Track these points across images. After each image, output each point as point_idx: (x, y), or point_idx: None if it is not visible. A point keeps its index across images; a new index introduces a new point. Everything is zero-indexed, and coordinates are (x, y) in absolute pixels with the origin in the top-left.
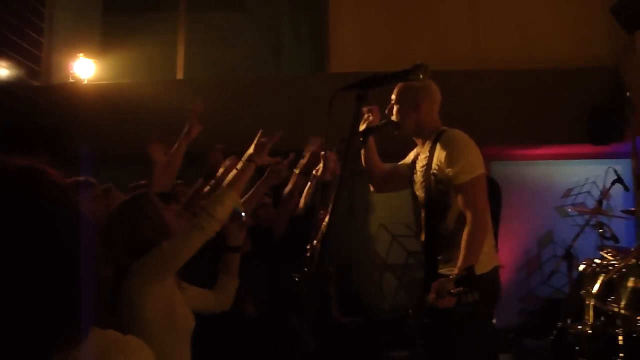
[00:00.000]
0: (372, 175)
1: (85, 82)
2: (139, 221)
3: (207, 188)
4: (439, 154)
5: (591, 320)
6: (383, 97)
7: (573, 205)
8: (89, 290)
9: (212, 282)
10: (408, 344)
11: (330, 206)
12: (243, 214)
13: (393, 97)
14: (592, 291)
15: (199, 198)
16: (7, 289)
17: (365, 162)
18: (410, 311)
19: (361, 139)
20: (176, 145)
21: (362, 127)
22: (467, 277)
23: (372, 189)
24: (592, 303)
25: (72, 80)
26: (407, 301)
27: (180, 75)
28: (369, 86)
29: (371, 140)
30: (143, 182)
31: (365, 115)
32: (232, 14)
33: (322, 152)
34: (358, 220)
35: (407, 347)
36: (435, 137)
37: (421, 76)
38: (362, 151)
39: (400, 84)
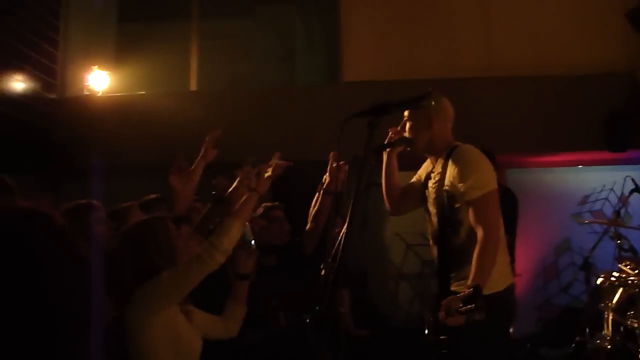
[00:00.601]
0: (390, 196)
1: (100, 94)
2: (150, 246)
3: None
4: (451, 171)
5: (610, 334)
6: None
7: (590, 212)
8: (91, 327)
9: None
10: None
11: (347, 223)
12: (252, 242)
13: (406, 114)
14: (611, 304)
15: (208, 223)
16: (9, 322)
17: (385, 180)
18: (426, 329)
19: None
20: (192, 168)
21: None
22: (474, 296)
23: (388, 210)
24: (610, 317)
25: (86, 93)
26: (422, 310)
27: (193, 87)
28: (380, 113)
29: (393, 159)
30: (154, 196)
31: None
32: (244, 22)
33: (334, 165)
34: (373, 229)
35: (423, 357)
36: (448, 154)
37: (432, 102)
38: (384, 169)
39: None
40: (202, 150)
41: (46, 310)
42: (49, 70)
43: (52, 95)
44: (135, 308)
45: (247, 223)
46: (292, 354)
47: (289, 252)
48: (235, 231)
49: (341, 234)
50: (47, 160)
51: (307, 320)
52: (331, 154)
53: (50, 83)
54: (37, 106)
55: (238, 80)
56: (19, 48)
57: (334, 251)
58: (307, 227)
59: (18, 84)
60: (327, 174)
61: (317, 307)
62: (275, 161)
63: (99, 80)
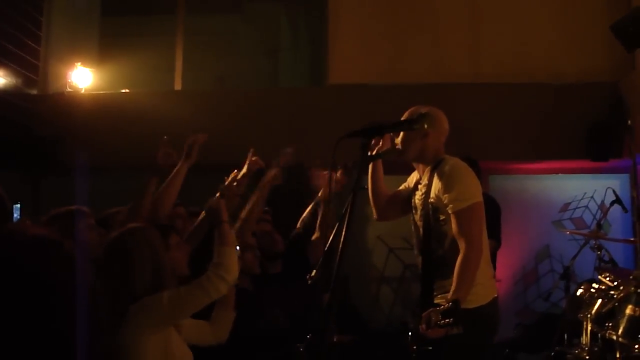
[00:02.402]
0: (376, 202)
1: (83, 91)
2: (137, 257)
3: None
4: (437, 183)
5: (588, 344)
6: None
7: (570, 219)
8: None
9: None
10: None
11: (342, 236)
12: (237, 248)
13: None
14: (590, 315)
15: (203, 232)
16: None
17: (371, 186)
18: (408, 338)
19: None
20: (175, 170)
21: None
22: (453, 310)
23: (375, 216)
24: (589, 327)
25: (69, 90)
26: (403, 314)
27: (178, 86)
28: (373, 135)
29: (379, 165)
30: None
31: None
32: (230, 19)
33: (324, 173)
34: (355, 232)
35: None
36: (434, 166)
37: (425, 126)
38: (370, 176)
39: (410, 110)
40: (185, 150)
41: (54, 337)
42: (31, 66)
43: (34, 92)
44: (130, 326)
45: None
46: None
47: (294, 260)
48: (235, 260)
49: (335, 244)
50: (27, 157)
51: (301, 349)
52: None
53: (32, 79)
54: (19, 102)
55: (223, 77)
56: (0, 43)
57: (320, 260)
58: (313, 236)
59: None
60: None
61: (309, 336)
62: (250, 157)
63: (82, 77)
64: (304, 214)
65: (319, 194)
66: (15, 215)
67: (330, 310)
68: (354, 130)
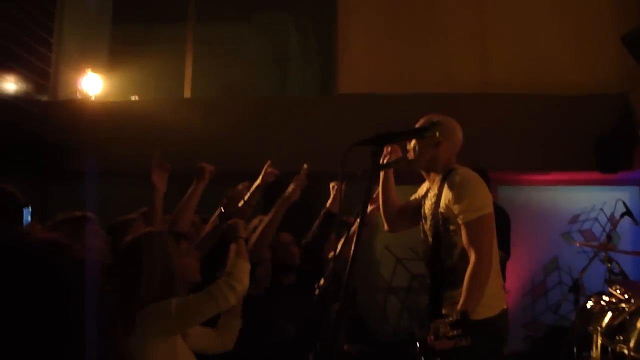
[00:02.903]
0: (386, 213)
1: (93, 98)
2: (147, 263)
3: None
4: (447, 193)
5: (598, 357)
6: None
7: (580, 231)
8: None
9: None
10: None
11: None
12: None
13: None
14: (600, 328)
15: (210, 241)
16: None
17: (382, 196)
18: (417, 349)
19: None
20: (191, 190)
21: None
22: (461, 321)
23: (385, 227)
24: (599, 340)
25: (79, 96)
26: (411, 324)
27: (187, 94)
28: (384, 143)
29: (390, 175)
30: (145, 209)
31: (385, 151)
32: (239, 28)
33: (333, 184)
34: (362, 242)
35: None
36: (445, 175)
37: (437, 134)
38: (381, 186)
39: (424, 118)
40: (199, 172)
41: (64, 340)
42: (42, 72)
43: (45, 98)
44: (137, 332)
45: None
46: None
47: (308, 272)
48: (247, 272)
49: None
50: (37, 163)
51: (310, 358)
52: (334, 185)
53: (43, 85)
54: (29, 108)
55: (231, 86)
56: (12, 49)
57: (327, 272)
58: (332, 253)
59: (10, 85)
60: (331, 197)
61: (319, 345)
62: (266, 168)
63: (92, 84)
64: (315, 224)
65: (327, 205)
66: (26, 218)
67: (340, 318)
68: (364, 138)
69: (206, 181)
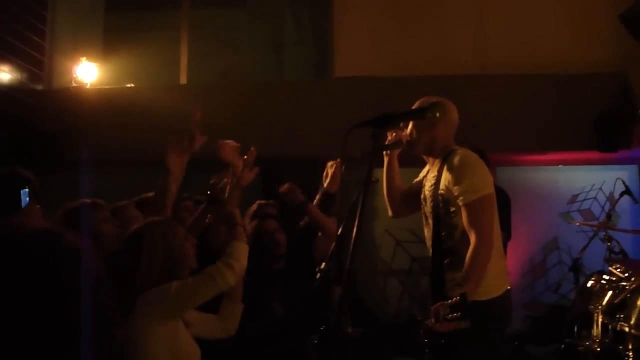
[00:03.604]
0: (390, 198)
1: (88, 86)
2: (161, 251)
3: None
4: (447, 174)
5: (599, 335)
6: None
7: (579, 211)
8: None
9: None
10: (413, 350)
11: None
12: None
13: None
14: (601, 307)
15: (201, 224)
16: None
17: (386, 181)
18: (420, 331)
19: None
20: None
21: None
22: (461, 304)
23: (390, 213)
24: (600, 318)
25: (74, 85)
26: (411, 307)
27: (183, 80)
28: (384, 124)
29: (394, 160)
30: (150, 194)
31: (389, 137)
32: (234, 13)
33: (331, 163)
34: (363, 225)
35: (412, 354)
36: (444, 157)
37: (437, 114)
38: (385, 171)
39: (420, 100)
40: (186, 139)
41: (60, 324)
42: (36, 61)
43: (39, 87)
44: (138, 317)
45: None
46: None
47: (299, 256)
48: (245, 254)
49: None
50: (34, 152)
51: (315, 342)
52: (332, 163)
53: (37, 74)
54: (24, 98)
55: (228, 72)
56: (5, 38)
57: (329, 254)
58: (320, 233)
59: (4, 74)
60: (329, 176)
61: (323, 328)
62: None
63: (87, 72)
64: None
65: (325, 186)
66: (24, 199)
67: (343, 301)
68: (365, 120)
69: (195, 149)
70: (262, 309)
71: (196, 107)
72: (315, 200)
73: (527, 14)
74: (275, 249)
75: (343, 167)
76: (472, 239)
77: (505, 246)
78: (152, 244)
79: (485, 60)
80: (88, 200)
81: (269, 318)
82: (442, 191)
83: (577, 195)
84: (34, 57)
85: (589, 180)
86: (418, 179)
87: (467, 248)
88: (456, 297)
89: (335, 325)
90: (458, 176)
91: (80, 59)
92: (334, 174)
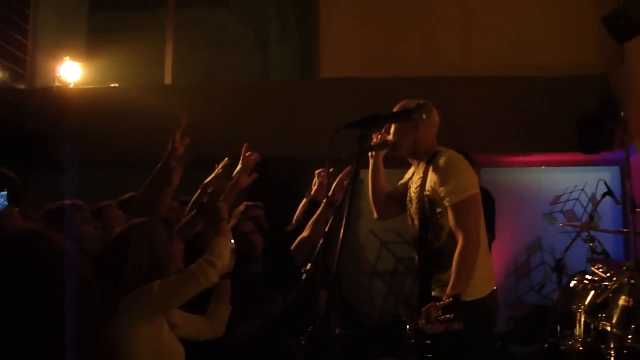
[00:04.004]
0: (376, 200)
1: (72, 85)
2: (148, 251)
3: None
4: (432, 175)
5: (582, 334)
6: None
7: (561, 212)
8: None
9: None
10: (398, 350)
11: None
12: (232, 241)
13: None
14: (583, 306)
15: (189, 229)
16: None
17: (371, 184)
18: (406, 331)
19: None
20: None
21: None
22: (453, 305)
23: (375, 215)
24: (582, 318)
25: (57, 84)
26: (396, 307)
27: (168, 80)
28: (371, 126)
29: (379, 162)
30: (131, 194)
31: (374, 139)
32: (220, 12)
33: (318, 171)
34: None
35: (398, 354)
36: (429, 159)
37: (424, 116)
38: (370, 173)
39: (400, 104)
40: (170, 143)
41: (42, 327)
42: (19, 60)
43: (22, 86)
44: (122, 317)
45: None
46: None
47: (276, 260)
48: (228, 250)
49: (331, 238)
50: (16, 152)
51: (302, 342)
52: (320, 171)
53: (20, 73)
54: (6, 97)
55: (212, 72)
56: None
57: (314, 256)
58: (303, 235)
59: None
60: (317, 184)
61: (310, 329)
62: (244, 152)
63: (71, 71)
64: (298, 211)
65: (312, 191)
66: (2, 203)
67: (331, 303)
68: (351, 121)
69: (179, 153)
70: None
71: (181, 112)
72: (300, 205)
73: (512, 16)
74: (251, 250)
75: (330, 169)
76: (459, 239)
77: (489, 247)
78: (137, 245)
79: (470, 62)
80: (68, 202)
81: (247, 320)
82: (428, 192)
83: (560, 196)
84: (17, 56)
85: (571, 181)
86: (403, 180)
87: (454, 249)
88: (448, 298)
89: (322, 326)
90: (444, 177)
91: (64, 58)
92: (321, 182)
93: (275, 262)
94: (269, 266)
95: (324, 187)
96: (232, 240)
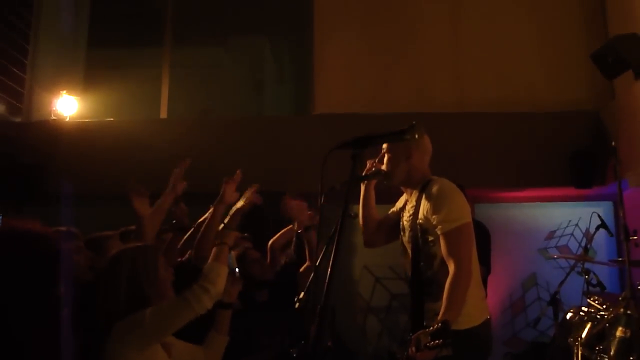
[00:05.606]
0: (366, 227)
1: (68, 119)
2: (141, 277)
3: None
4: (425, 204)
5: None
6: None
7: (556, 247)
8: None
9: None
10: None
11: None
12: (237, 269)
13: (384, 145)
14: (580, 339)
15: (173, 252)
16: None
17: (362, 212)
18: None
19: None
20: (160, 200)
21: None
22: (442, 331)
23: (364, 242)
24: (580, 351)
25: (54, 118)
26: (390, 344)
27: (164, 114)
28: (364, 145)
29: (371, 191)
30: (133, 227)
31: (369, 165)
32: (216, 50)
33: (298, 203)
34: (341, 261)
35: None
36: (422, 187)
37: (416, 135)
38: (361, 201)
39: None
40: (171, 183)
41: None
42: (16, 93)
43: (18, 119)
44: (114, 344)
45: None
46: None
47: (282, 289)
48: (223, 276)
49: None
50: (11, 185)
51: (294, 355)
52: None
53: (17, 107)
54: (3, 130)
55: (209, 109)
56: None
57: (307, 285)
58: (304, 266)
59: None
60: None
61: (302, 342)
62: (250, 192)
63: (67, 105)
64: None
65: (295, 224)
66: None
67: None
68: (343, 141)
69: (178, 192)
70: (244, 341)
71: (185, 161)
72: (292, 245)
73: (503, 53)
74: (264, 274)
75: (322, 198)
76: (451, 267)
77: (485, 281)
78: (124, 271)
79: (462, 99)
80: (63, 229)
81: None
82: (420, 220)
83: (555, 231)
84: (14, 89)
85: (565, 216)
86: (394, 209)
87: (446, 278)
88: (437, 324)
89: (315, 338)
90: (436, 205)
91: (61, 92)
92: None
93: (281, 292)
94: (275, 296)
95: (302, 218)
96: (237, 270)
